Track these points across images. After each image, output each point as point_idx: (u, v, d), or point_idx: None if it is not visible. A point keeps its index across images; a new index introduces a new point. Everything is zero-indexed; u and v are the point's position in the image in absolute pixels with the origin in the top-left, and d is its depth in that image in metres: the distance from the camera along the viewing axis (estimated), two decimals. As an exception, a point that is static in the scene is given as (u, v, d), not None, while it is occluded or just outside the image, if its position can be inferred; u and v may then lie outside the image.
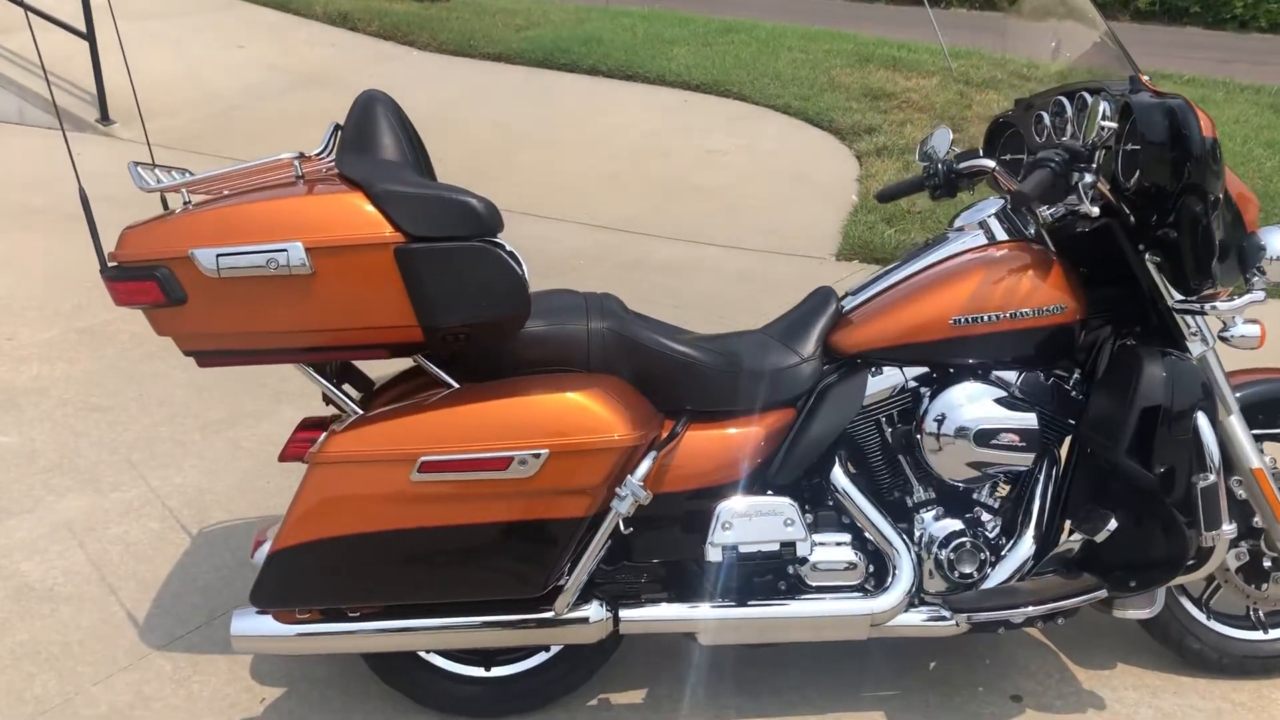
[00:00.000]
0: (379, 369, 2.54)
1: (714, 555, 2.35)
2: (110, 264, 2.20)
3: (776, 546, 2.36)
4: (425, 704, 2.55)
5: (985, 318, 2.38)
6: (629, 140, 7.56)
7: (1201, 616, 2.65)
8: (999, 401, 2.39)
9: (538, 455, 2.15)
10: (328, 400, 2.39)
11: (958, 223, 2.58)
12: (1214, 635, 2.65)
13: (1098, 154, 2.33)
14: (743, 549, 2.36)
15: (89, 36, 7.60)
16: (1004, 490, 2.51)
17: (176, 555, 3.20)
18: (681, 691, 2.65)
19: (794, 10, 12.37)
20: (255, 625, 2.32)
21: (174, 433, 3.88)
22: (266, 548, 2.44)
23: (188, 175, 2.32)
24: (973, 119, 7.68)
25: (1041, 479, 2.48)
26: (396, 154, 2.30)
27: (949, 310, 2.39)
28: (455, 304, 2.15)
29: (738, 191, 6.66)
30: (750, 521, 2.35)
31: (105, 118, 7.83)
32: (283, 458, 2.48)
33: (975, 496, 2.49)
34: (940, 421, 2.39)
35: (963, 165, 2.73)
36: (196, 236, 2.13)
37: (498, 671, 2.52)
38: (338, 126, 2.39)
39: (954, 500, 2.49)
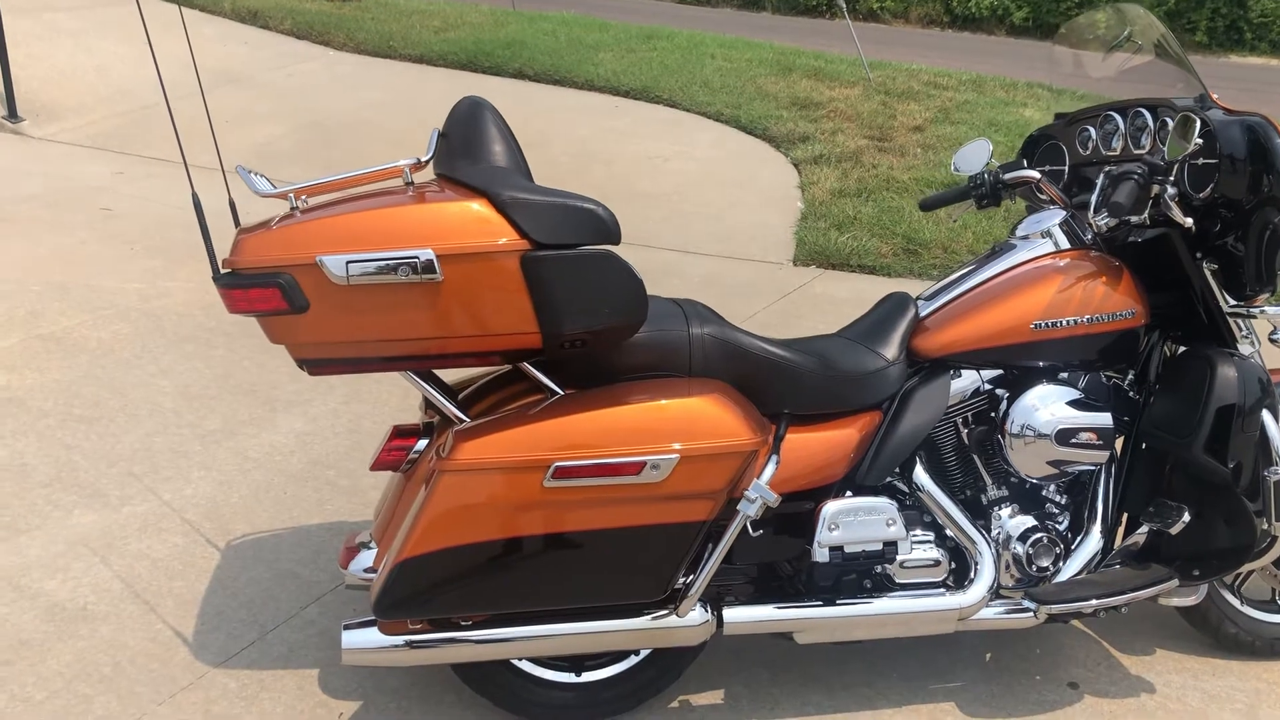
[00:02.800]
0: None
1: (820, 556, 2.42)
2: (224, 270, 2.14)
3: (879, 546, 2.44)
4: (515, 711, 2.54)
5: (1064, 322, 2.51)
6: (566, 146, 7.57)
7: (1236, 602, 2.83)
8: (1075, 403, 2.52)
9: (669, 460, 2.18)
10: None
11: (1020, 231, 2.70)
12: (1247, 619, 2.83)
13: (1175, 168, 2.47)
14: (848, 549, 2.43)
15: (-3, 29, 7.25)
16: (1070, 487, 2.64)
17: (209, 569, 3.10)
18: (757, 690, 2.70)
19: (687, 18, 12.53)
20: (367, 638, 2.29)
21: (171, 443, 3.75)
22: (366, 557, 2.41)
23: (239, 170, 2.27)
24: (899, 128, 7.94)
25: (1103, 475, 2.62)
26: (507, 160, 2.30)
27: (1030, 315, 2.51)
28: (578, 311, 2.16)
29: (684, 198, 6.75)
30: (855, 522, 2.43)
31: (13, 114, 7.48)
32: (376, 466, 2.44)
33: (1044, 493, 2.62)
34: (1022, 422, 2.50)
35: (1008, 175, 2.86)
36: (323, 242, 2.10)
37: (588, 676, 2.53)
38: (441, 133, 2.36)
39: (1026, 497, 2.61)
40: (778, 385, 2.41)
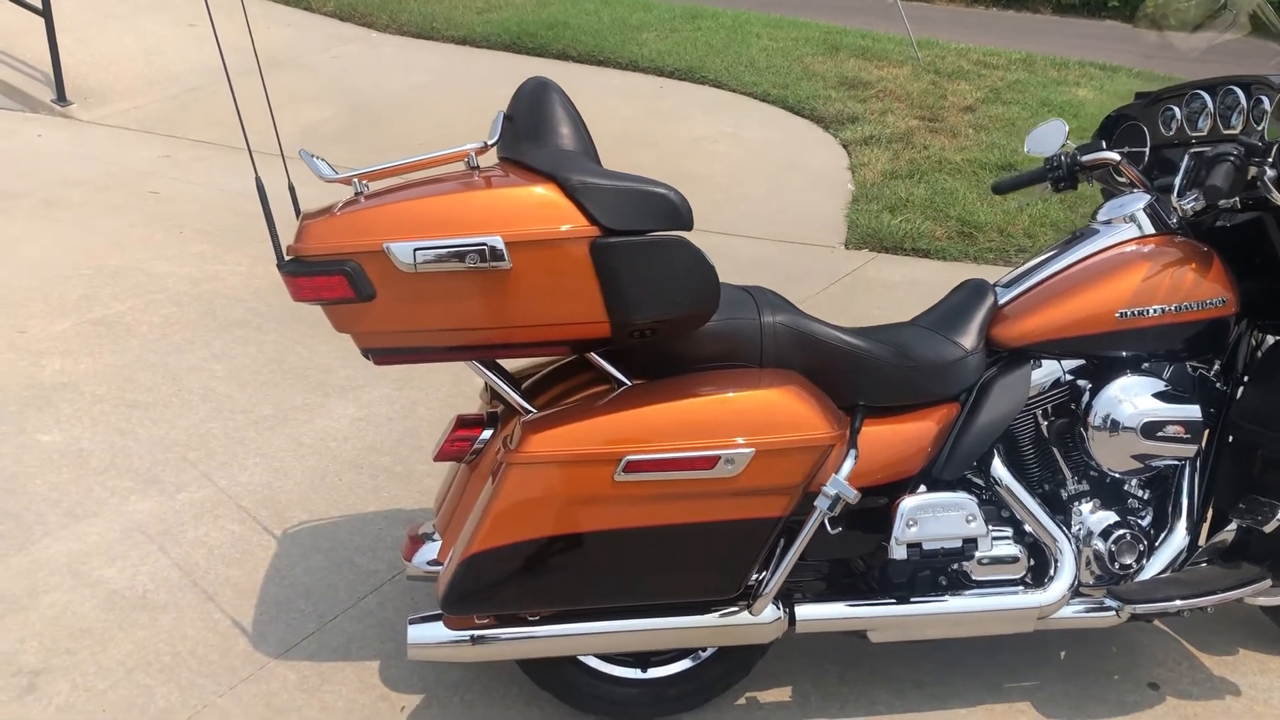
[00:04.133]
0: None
1: (898, 553, 2.35)
2: (289, 257, 2.09)
3: (958, 543, 2.36)
4: (580, 707, 2.49)
5: (1151, 310, 2.41)
6: (611, 128, 7.47)
7: None
8: (1161, 395, 2.42)
9: (744, 454, 2.11)
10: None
11: (1103, 216, 2.60)
12: None
13: (1274, 149, 2.36)
14: (926, 546, 2.35)
15: (45, 13, 7.25)
16: (1152, 481, 2.55)
17: (266, 558, 3.08)
18: (825, 687, 2.64)
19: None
20: (433, 633, 2.24)
21: (226, 429, 3.73)
22: (430, 549, 2.37)
23: (303, 155, 2.21)
24: (950, 109, 7.79)
25: (1188, 469, 2.53)
26: (574, 143, 2.23)
27: (1115, 303, 2.42)
28: (649, 299, 2.10)
29: (732, 180, 6.65)
30: (934, 518, 2.35)
31: (62, 98, 7.48)
32: (440, 457, 2.39)
33: (1126, 487, 2.53)
34: (1106, 414, 2.41)
35: (1087, 158, 2.76)
36: (390, 229, 2.05)
37: (654, 673, 2.47)
38: (506, 115, 2.30)
39: (1107, 491, 2.52)
40: (853, 376, 2.34)
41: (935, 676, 2.68)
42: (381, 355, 2.17)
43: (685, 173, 6.75)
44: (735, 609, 2.28)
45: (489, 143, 2.22)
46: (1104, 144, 2.83)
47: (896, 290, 5.16)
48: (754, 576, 2.27)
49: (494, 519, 2.11)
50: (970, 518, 2.36)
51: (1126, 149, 2.90)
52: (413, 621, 2.27)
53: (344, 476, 3.49)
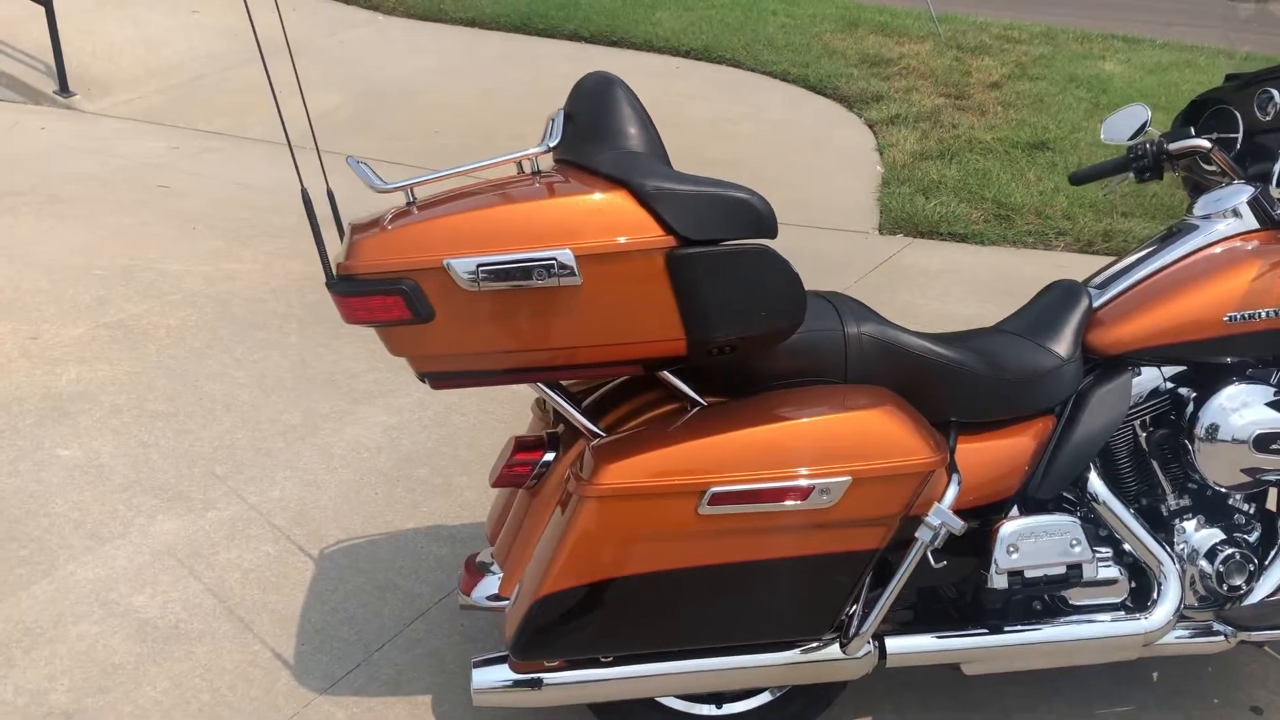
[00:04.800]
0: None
1: (999, 581, 2.18)
2: (338, 275, 1.91)
3: (1063, 569, 2.20)
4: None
5: (1262, 314, 2.24)
6: (632, 110, 7.29)
7: None
8: (1274, 404, 2.26)
9: (840, 483, 1.94)
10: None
11: (1200, 210, 2.43)
12: None
13: None
14: (1029, 574, 2.19)
15: (45, 2, 7.04)
16: (1259, 495, 2.38)
17: (304, 581, 2.91)
18: (909, 717, 2.48)
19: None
20: (499, 677, 2.08)
21: (253, 440, 3.56)
22: (491, 583, 2.20)
23: (351, 163, 2.02)
24: (975, 85, 7.59)
25: None
26: (643, 144, 2.05)
27: (1223, 306, 2.25)
28: (730, 314, 1.93)
29: (758, 163, 6.46)
30: (1036, 543, 2.19)
31: (64, 89, 7.28)
32: (499, 483, 2.23)
33: (1231, 502, 2.36)
34: (1215, 426, 2.25)
35: (1175, 145, 2.57)
36: (449, 244, 1.87)
37: (730, 709, 2.31)
38: (567, 114, 2.11)
39: (1211, 507, 2.36)
40: (945, 390, 2.17)
41: (1023, 703, 2.53)
42: (439, 379, 2.00)
43: (707, 157, 6.55)
44: (820, 644, 2.11)
45: (551, 145, 2.04)
46: (1192, 130, 2.64)
47: (939, 279, 4.98)
48: (846, 613, 2.11)
49: (567, 558, 1.95)
50: (1075, 542, 2.20)
51: (1216, 135, 2.71)
52: (477, 665, 2.11)
53: (380, 490, 3.32)
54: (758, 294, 1.93)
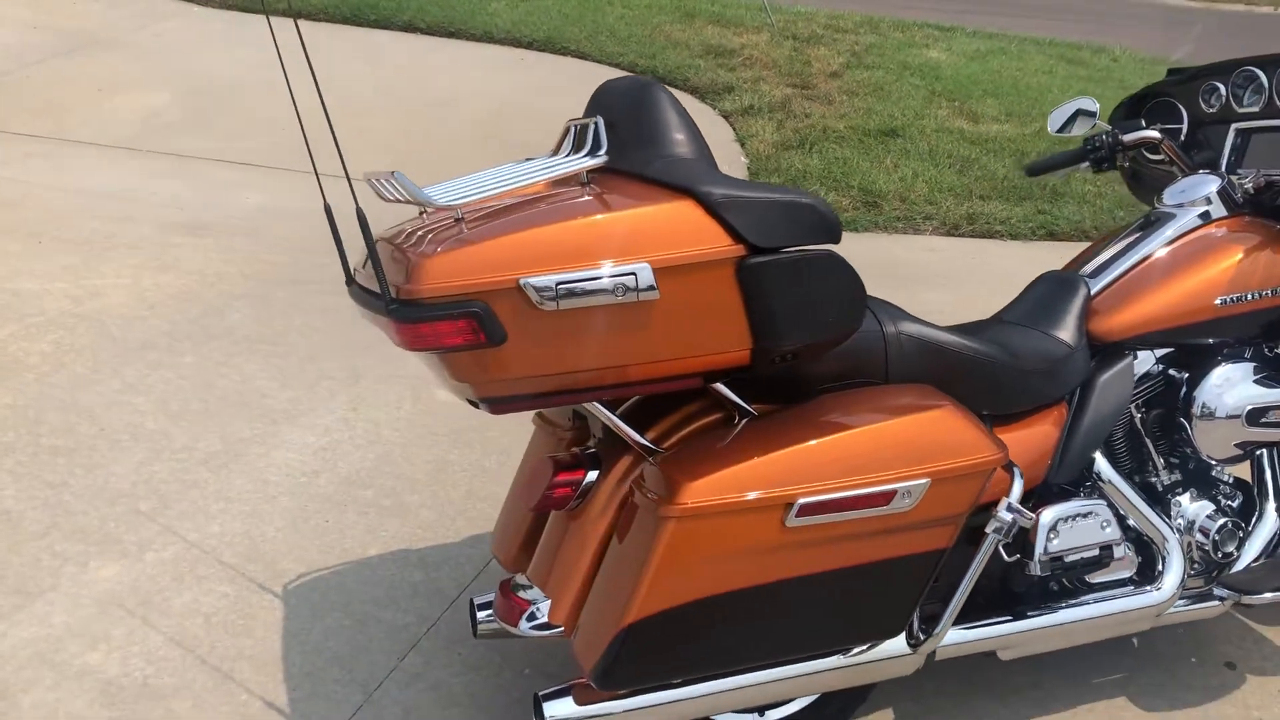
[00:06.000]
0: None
1: (1041, 568, 2.24)
2: (403, 299, 1.78)
3: (1096, 551, 2.28)
4: (697, 761, 2.29)
5: (1249, 296, 2.38)
6: (485, 104, 7.14)
7: None
8: (1260, 380, 2.41)
9: (920, 485, 1.95)
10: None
11: (1171, 200, 2.55)
12: None
13: None
14: (1068, 558, 2.26)
15: None
16: (1238, 467, 2.53)
17: (275, 622, 2.72)
18: (926, 702, 2.53)
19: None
20: (575, 709, 1.99)
21: (173, 471, 3.30)
22: (541, 610, 2.10)
23: (400, 178, 1.89)
24: (817, 75, 7.80)
25: (1270, 451, 2.53)
26: (692, 150, 2.00)
27: (1214, 290, 2.37)
28: (798, 321, 1.90)
29: (623, 156, 6.43)
30: (1074, 527, 2.26)
31: None
32: (540, 507, 2.13)
33: (1215, 474, 2.51)
34: (1210, 404, 2.38)
35: (1129, 137, 2.71)
36: (522, 262, 1.77)
37: (772, 715, 2.30)
38: (608, 122, 2.03)
39: (1201, 481, 2.49)
40: (979, 384, 2.21)
41: (1029, 679, 2.61)
42: (500, 404, 1.90)
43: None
44: (866, 645, 2.12)
45: (603, 154, 1.96)
46: (1143, 122, 2.78)
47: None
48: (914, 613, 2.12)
49: (652, 582, 1.88)
50: (1106, 523, 2.29)
51: (1159, 126, 2.87)
52: (546, 698, 2.01)
53: (329, 517, 3.14)
54: (825, 299, 1.91)
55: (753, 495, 1.88)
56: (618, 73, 7.76)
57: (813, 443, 1.93)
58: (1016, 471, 2.11)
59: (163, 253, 4.80)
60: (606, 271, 1.78)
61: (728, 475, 1.89)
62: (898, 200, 5.91)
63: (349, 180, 1.90)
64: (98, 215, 5.25)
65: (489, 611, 2.37)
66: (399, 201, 1.96)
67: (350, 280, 2.13)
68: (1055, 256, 5.66)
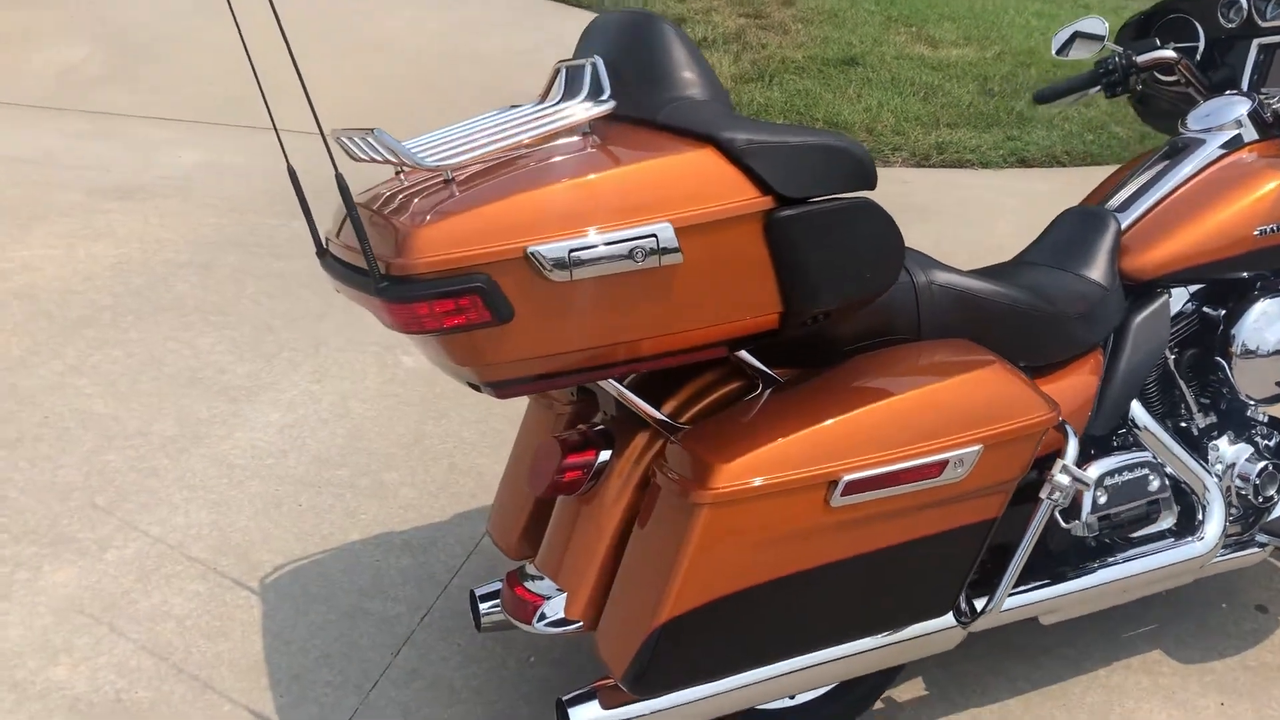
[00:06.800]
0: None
1: (1088, 529, 2.10)
2: (395, 275, 1.56)
3: (1145, 507, 2.14)
4: (726, 750, 2.14)
5: (1290, 225, 2.24)
6: (420, 43, 6.82)
7: None
8: (1303, 314, 2.27)
9: (973, 453, 1.78)
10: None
11: (1197, 125, 2.39)
12: None
13: None
14: (1116, 516, 2.11)
15: None
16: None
17: (254, 622, 2.52)
18: (957, 671, 2.39)
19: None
20: (603, 713, 1.82)
21: (128, 460, 3.06)
22: (556, 605, 1.92)
23: (381, 136, 1.66)
24: (769, 2, 7.54)
25: None
26: (706, 91, 1.79)
27: (1252, 220, 2.22)
28: (834, 278, 1.72)
29: (576, 96, 6.17)
30: (1123, 484, 2.12)
31: None
32: (549, 492, 1.93)
33: (1250, 414, 2.38)
34: (1252, 341, 2.24)
35: (1143, 58, 2.53)
36: (527, 227, 1.56)
37: (803, 698, 2.15)
38: (607, 62, 1.81)
39: (1237, 423, 2.36)
40: (1015, 335, 2.04)
41: (1059, 639, 2.49)
42: (507, 387, 1.69)
43: (521, 90, 6.19)
44: (933, 619, 1.97)
45: (605, 98, 1.75)
46: (1157, 41, 2.60)
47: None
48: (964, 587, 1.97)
49: (686, 576, 1.70)
50: (1152, 476, 2.15)
51: (1172, 45, 2.69)
52: (570, 704, 1.84)
53: (303, 501, 2.92)
54: (862, 253, 1.72)
55: (793, 475, 1.70)
56: (562, 7, 7.47)
57: (853, 413, 1.76)
58: (1070, 431, 1.95)
59: (94, 220, 4.50)
60: (623, 234, 1.58)
61: (764, 454, 1.71)
62: (864, 132, 5.72)
63: (325, 140, 1.67)
64: (17, 181, 4.92)
65: (493, 604, 2.19)
66: (374, 162, 1.74)
67: (322, 251, 1.90)
68: (1028, 185, 5.55)
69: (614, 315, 1.63)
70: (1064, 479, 1.90)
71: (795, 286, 1.70)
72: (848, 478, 1.72)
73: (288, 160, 1.89)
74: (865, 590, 1.83)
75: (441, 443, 3.18)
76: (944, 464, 1.77)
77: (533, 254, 1.55)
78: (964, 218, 4.87)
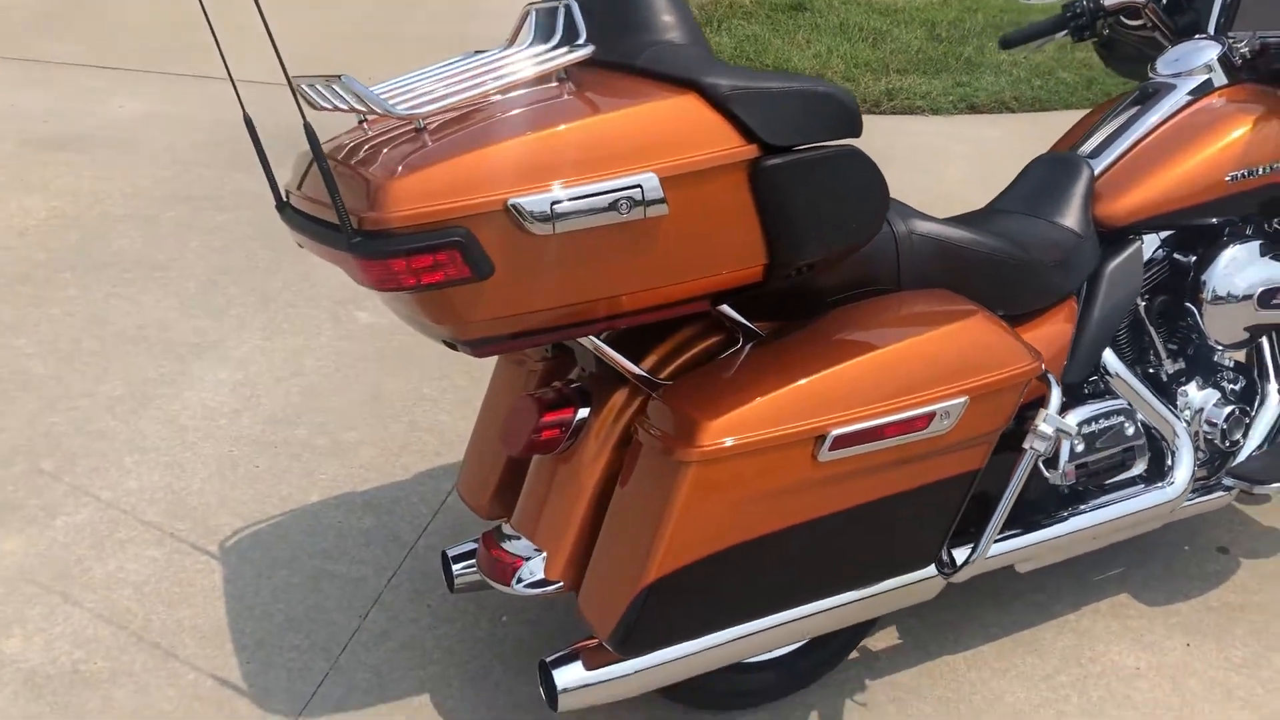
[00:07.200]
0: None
1: (1064, 478, 2.10)
2: (368, 230, 1.49)
3: (1121, 454, 2.14)
4: (710, 707, 2.14)
5: (1259, 170, 2.23)
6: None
7: None
8: (1272, 259, 2.28)
9: (959, 404, 1.77)
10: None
11: (1166, 70, 2.37)
12: None
13: None
14: (1093, 464, 2.12)
15: None
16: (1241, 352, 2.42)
17: (215, 587, 2.45)
18: (930, 619, 2.40)
19: None
20: (583, 675, 1.79)
21: (74, 422, 2.96)
22: (536, 566, 1.88)
23: (350, 83, 1.58)
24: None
25: (1273, 337, 2.42)
26: (687, 35, 1.74)
27: (1224, 166, 2.22)
28: (819, 229, 1.68)
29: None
30: (1101, 430, 2.11)
31: None
32: (525, 452, 1.88)
33: (1217, 359, 2.39)
34: (1224, 287, 2.25)
35: (1110, 1, 2.51)
36: (506, 179, 1.50)
37: (782, 651, 2.13)
38: (571, 4, 1.74)
39: (1204, 368, 2.37)
40: (993, 283, 2.02)
41: (1029, 585, 2.50)
42: (485, 345, 1.64)
43: (470, 34, 6.08)
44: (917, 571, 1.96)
45: (585, 42, 1.68)
46: (1124, -16, 2.58)
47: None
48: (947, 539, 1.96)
49: (672, 536, 1.67)
50: (1128, 422, 2.15)
51: (1137, -14, 2.67)
52: (554, 665, 1.80)
53: (260, 462, 2.85)
54: (849, 202, 1.69)
55: (781, 430, 1.67)
56: (504, -48, 7.28)
57: (839, 366, 1.73)
58: (1053, 380, 1.94)
59: (28, 172, 4.32)
60: (607, 185, 1.53)
61: (751, 409, 1.67)
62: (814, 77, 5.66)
63: (291, 88, 1.59)
64: (-57, 133, 4.72)
65: (466, 564, 2.15)
66: (337, 110, 1.66)
67: (282, 204, 1.82)
68: (978, 131, 5.54)
69: (596, 270, 1.58)
70: (1048, 428, 1.89)
71: (781, 237, 1.66)
72: (835, 432, 1.69)
73: (244, 110, 1.80)
74: (850, 545, 1.81)
75: (400, 400, 3.11)
76: (931, 416, 1.75)
77: (513, 206, 1.49)
78: (916, 164, 4.85)
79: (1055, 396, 1.91)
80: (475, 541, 2.18)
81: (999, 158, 4.98)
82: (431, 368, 3.24)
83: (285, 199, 1.83)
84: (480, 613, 2.38)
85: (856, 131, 1.68)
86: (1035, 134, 5.31)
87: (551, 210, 1.50)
